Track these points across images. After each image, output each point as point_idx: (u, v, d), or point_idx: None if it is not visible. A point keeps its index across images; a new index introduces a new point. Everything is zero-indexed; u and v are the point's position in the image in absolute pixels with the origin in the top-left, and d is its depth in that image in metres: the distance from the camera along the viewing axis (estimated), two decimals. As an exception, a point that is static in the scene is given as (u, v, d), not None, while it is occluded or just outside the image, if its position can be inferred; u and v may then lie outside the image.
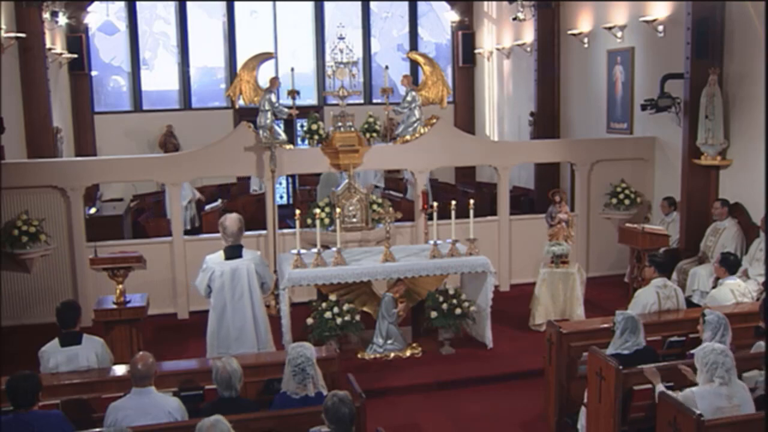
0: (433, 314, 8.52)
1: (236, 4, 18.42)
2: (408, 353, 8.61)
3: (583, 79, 13.73)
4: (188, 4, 18.14)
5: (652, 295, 7.09)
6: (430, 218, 9.19)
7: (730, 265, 7.40)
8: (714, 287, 7.88)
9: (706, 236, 9.73)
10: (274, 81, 11.56)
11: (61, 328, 6.10)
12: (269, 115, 11.22)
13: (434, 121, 10.99)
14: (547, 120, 14.73)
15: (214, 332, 7.09)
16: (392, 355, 8.55)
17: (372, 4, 19.29)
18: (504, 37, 16.92)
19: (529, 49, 15.31)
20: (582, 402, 6.22)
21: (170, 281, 10.18)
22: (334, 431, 4.50)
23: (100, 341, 6.26)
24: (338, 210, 8.80)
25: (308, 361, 5.15)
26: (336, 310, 8.25)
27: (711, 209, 9.77)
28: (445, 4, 18.90)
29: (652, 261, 7.39)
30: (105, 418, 5.10)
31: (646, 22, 11.33)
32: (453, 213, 8.61)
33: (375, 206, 9.93)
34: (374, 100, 17.98)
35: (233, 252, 7.07)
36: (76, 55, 16.21)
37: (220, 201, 14.69)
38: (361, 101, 17.30)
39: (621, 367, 5.55)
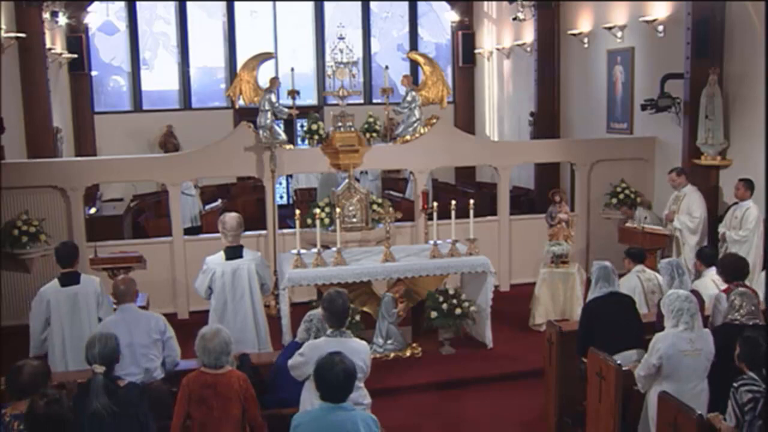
0: (433, 314, 8.51)
1: (236, 4, 18.41)
2: (408, 353, 8.61)
3: (583, 79, 13.73)
4: (188, 4, 18.14)
5: (634, 279, 7.61)
6: (430, 218, 9.19)
7: (705, 256, 7.55)
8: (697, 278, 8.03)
9: (669, 204, 9.73)
10: (274, 81, 11.56)
11: (60, 268, 6.45)
12: (269, 115, 11.21)
13: (434, 121, 10.98)
14: (547, 120, 14.72)
15: (214, 333, 7.09)
16: (392, 355, 8.55)
17: (372, 4, 19.29)
18: (504, 37, 16.91)
19: (529, 49, 15.30)
20: (584, 402, 6.22)
21: (170, 281, 10.18)
22: (328, 318, 5.09)
23: (97, 279, 6.62)
24: (338, 210, 8.80)
25: (317, 316, 5.70)
26: (336, 310, 8.24)
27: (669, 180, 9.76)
28: (445, 4, 18.90)
29: (627, 253, 7.93)
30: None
31: (646, 22, 11.33)
32: (453, 213, 8.60)
33: (375, 206, 9.93)
34: (374, 100, 17.95)
35: (234, 252, 7.06)
36: (76, 55, 16.21)
37: (220, 201, 14.69)
38: (361, 101, 17.25)
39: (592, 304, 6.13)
